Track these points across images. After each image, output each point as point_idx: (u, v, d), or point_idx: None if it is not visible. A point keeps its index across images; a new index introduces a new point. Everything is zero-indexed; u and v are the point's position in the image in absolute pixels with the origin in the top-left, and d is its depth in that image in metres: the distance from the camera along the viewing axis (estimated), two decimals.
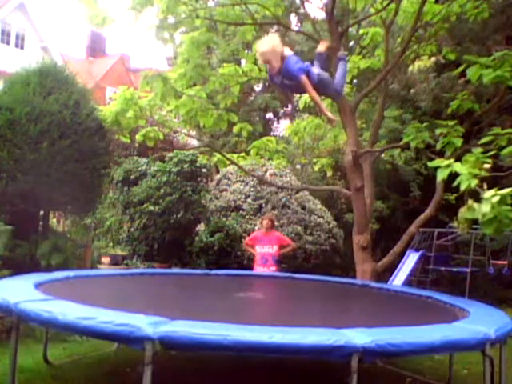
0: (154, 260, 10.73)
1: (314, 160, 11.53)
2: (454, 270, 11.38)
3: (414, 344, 3.16)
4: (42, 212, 7.96)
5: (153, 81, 7.81)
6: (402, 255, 10.49)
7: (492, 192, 4.16)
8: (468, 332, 3.50)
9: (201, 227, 11.32)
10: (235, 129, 9.20)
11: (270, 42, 4.54)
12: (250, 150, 9.46)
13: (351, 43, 13.65)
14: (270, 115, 21.31)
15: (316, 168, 11.30)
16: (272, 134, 19.41)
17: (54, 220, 9.09)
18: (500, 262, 11.69)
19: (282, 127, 20.94)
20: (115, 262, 10.72)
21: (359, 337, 3.03)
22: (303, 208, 12.14)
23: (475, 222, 4.43)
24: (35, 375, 4.59)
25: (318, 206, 12.46)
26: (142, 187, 11.10)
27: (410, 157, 13.19)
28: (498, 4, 10.19)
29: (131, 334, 3.03)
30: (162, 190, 10.87)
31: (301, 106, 9.69)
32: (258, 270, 7.67)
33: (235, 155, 9.71)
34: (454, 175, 4.56)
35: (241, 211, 11.64)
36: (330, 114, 4.78)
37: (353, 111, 7.77)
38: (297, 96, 9.38)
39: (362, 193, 7.57)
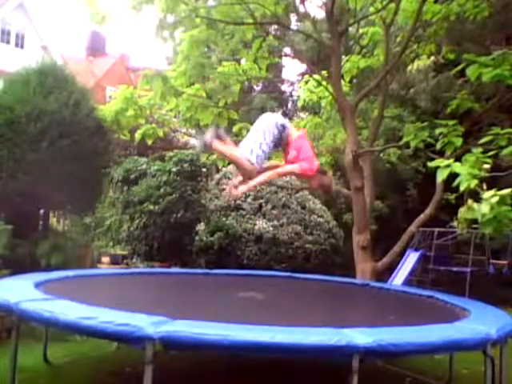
0: (153, 259, 10.71)
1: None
2: (454, 269, 11.36)
3: (415, 344, 3.16)
4: (42, 211, 7.95)
5: (152, 80, 7.82)
6: (401, 255, 10.48)
7: (491, 192, 4.15)
8: (469, 332, 3.49)
9: (201, 227, 11.30)
10: (235, 128, 9.19)
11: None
12: None
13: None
14: None
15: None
16: None
17: (54, 219, 9.07)
18: (500, 262, 11.68)
19: None
20: (115, 261, 10.70)
21: (360, 337, 3.02)
22: (303, 207, 12.13)
23: (475, 221, 4.42)
24: (35, 375, 4.58)
25: (318, 206, 12.45)
26: (142, 187, 11.08)
27: (407, 154, 13.12)
28: (498, 3, 10.16)
29: (132, 333, 3.03)
30: (161, 190, 10.85)
31: (299, 104, 9.68)
32: None
33: None
34: (454, 174, 4.55)
35: (241, 211, 11.63)
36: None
37: (353, 111, 7.76)
38: (296, 96, 9.39)
39: (362, 192, 7.57)
